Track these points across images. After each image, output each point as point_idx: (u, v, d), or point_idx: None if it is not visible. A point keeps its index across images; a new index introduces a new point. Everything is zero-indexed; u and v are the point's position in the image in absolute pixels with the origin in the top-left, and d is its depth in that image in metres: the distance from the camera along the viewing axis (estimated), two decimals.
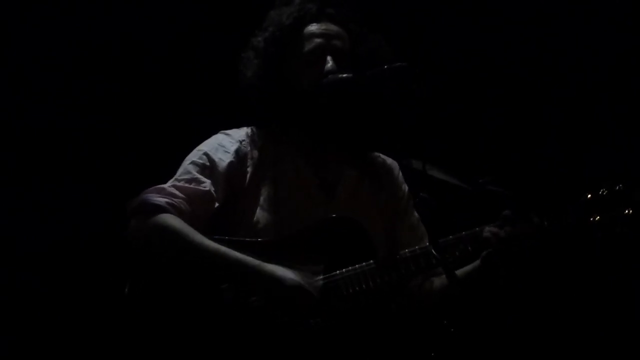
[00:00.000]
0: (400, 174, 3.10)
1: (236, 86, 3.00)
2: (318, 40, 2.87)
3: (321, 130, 2.90)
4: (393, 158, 3.09)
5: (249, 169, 2.87)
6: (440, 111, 3.90)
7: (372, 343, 2.70)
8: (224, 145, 2.89)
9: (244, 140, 2.93)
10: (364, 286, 2.72)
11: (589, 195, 2.86)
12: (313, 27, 2.90)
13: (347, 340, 2.66)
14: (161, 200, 2.70)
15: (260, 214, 2.81)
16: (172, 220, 2.67)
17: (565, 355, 4.07)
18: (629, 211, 2.86)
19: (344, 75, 2.77)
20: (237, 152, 2.88)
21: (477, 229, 2.80)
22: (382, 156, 3.11)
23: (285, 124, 2.95)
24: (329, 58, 2.84)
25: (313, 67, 2.84)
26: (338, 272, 2.72)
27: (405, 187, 3.09)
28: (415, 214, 3.07)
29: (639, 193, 2.85)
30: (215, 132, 3.00)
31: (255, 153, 2.90)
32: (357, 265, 2.74)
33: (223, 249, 2.63)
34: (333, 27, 2.90)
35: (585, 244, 3.69)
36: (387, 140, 2.89)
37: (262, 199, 2.83)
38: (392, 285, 2.76)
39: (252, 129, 2.99)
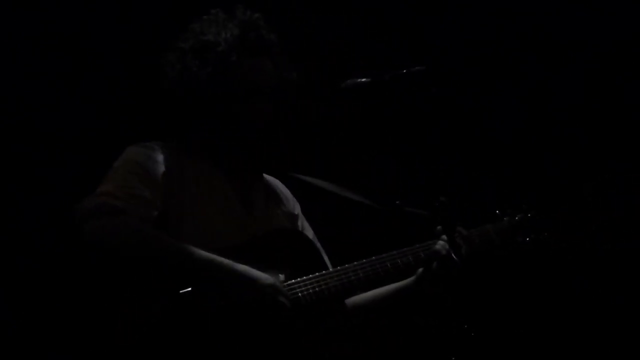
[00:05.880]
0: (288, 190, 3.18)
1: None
2: (255, 78, 2.90)
3: (247, 156, 2.95)
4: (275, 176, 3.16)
5: (174, 182, 2.83)
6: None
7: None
8: (151, 156, 2.85)
9: (165, 153, 2.88)
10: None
11: (517, 217, 2.96)
12: (250, 62, 2.91)
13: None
14: (118, 203, 2.67)
15: (187, 228, 2.78)
16: (136, 222, 2.67)
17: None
18: (546, 234, 2.95)
19: (362, 79, 2.83)
20: (164, 163, 2.84)
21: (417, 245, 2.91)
22: (267, 175, 3.15)
23: (206, 142, 2.94)
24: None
25: (247, 103, 2.89)
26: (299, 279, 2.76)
27: (298, 204, 3.16)
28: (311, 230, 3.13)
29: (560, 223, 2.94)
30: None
31: (175, 167, 2.87)
32: (340, 267, 2.83)
33: (196, 250, 2.65)
34: (268, 64, 2.94)
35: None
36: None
37: (187, 212, 2.81)
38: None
39: (165, 143, 2.94)
